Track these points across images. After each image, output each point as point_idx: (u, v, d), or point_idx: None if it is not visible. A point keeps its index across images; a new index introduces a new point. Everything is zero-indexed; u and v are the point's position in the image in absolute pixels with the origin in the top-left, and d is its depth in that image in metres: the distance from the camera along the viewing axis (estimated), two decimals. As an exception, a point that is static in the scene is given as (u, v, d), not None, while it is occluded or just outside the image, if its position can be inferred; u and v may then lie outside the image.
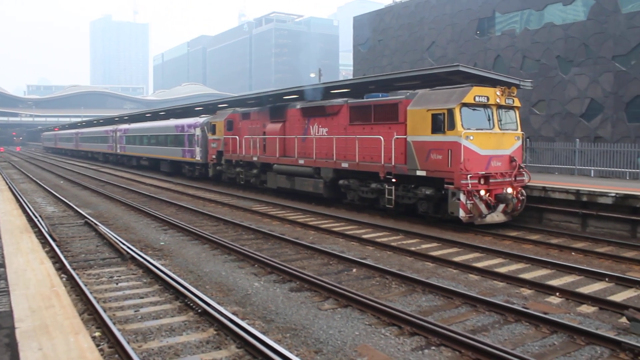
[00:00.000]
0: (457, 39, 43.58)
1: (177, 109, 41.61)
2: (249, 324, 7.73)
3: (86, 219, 17.36)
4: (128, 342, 7.13)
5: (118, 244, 13.28)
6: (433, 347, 7.31)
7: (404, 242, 14.44)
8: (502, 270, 11.42)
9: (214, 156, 30.05)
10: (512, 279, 10.64)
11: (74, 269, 10.85)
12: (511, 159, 16.31)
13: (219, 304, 8.68)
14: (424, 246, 13.93)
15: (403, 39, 48.91)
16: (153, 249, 13.58)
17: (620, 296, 9.73)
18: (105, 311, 8.34)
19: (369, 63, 53.07)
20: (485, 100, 15.78)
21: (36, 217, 17.03)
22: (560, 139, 32.87)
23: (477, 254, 13.01)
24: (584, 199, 15.96)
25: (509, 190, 15.99)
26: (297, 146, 22.93)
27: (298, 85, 24.60)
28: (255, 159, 25.82)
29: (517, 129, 16.76)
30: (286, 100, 25.94)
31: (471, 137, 15.39)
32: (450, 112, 15.48)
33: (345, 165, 19.82)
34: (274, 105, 25.52)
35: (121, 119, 57.58)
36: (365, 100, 19.48)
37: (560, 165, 24.28)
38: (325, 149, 21.20)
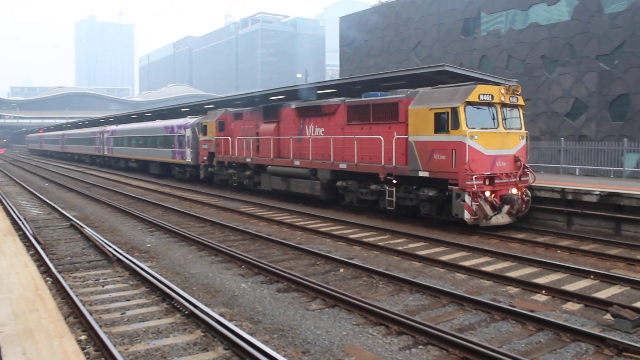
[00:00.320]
0: (443, 39, 43.79)
1: (163, 110, 41.49)
2: (236, 325, 7.71)
3: (72, 222, 17.22)
4: (114, 345, 7.08)
5: (104, 247, 13.18)
6: (420, 346, 7.33)
7: (391, 241, 14.47)
8: (489, 269, 11.47)
9: (205, 157, 29.42)
10: (498, 278, 10.70)
11: (59, 272, 10.74)
12: (516, 159, 15.86)
13: (206, 305, 8.64)
14: (410, 245, 13.97)
15: (389, 39, 49.06)
16: (139, 251, 13.50)
17: (605, 293, 9.81)
18: (91, 314, 8.27)
19: (355, 63, 53.18)
20: (490, 99, 15.32)
21: (20, 220, 16.86)
22: (545, 137, 33.16)
23: (463, 253, 13.06)
24: (569, 197, 16.09)
25: (514, 190, 15.60)
26: (292, 147, 22.31)
27: (285, 86, 24.61)
28: (248, 160, 25.23)
29: (521, 128, 16.32)
30: (274, 100, 25.89)
31: (476, 137, 14.93)
32: (455, 111, 15.01)
33: (343, 166, 19.31)
34: (268, 105, 24.99)
35: (107, 121, 57.23)
36: (363, 99, 18.99)
37: (546, 164, 24.49)
38: (322, 149, 20.68)
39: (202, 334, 7.70)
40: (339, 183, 19.71)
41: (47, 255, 12.29)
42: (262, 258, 12.28)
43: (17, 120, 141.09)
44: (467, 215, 14.78)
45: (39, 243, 13.63)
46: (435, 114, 15.56)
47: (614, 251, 13.17)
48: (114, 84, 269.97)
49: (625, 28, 31.54)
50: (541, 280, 10.56)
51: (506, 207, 15.53)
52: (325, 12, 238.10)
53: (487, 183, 15.12)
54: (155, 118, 43.97)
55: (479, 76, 18.79)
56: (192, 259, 12.67)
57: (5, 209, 19.16)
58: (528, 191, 16.06)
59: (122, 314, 8.64)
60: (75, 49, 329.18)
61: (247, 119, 26.06)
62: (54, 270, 10.74)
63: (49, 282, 10.17)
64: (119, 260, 12.03)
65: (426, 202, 16.24)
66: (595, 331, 7.65)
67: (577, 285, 10.34)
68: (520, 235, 15.03)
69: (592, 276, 10.79)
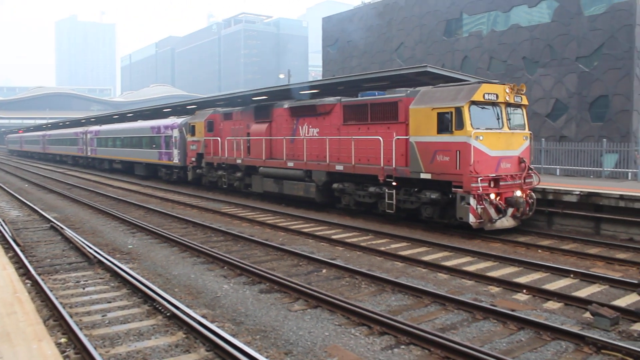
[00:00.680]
0: (425, 40, 44.03)
1: (145, 110, 41.15)
2: (218, 327, 7.67)
3: (52, 223, 17.01)
4: (95, 348, 7.01)
5: (85, 248, 13.05)
6: (402, 346, 7.35)
7: (374, 242, 14.50)
8: (471, 268, 11.54)
9: (193, 159, 28.67)
10: (480, 277, 10.77)
11: (38, 274, 10.61)
12: (520, 160, 15.42)
13: (188, 307, 8.59)
14: (393, 246, 14.01)
15: (372, 40, 49.21)
16: (121, 253, 13.39)
17: (584, 292, 9.93)
18: (71, 316, 8.19)
19: (338, 64, 53.27)
20: (495, 98, 14.83)
21: (-1, 222, 16.63)
22: (526, 138, 33.41)
23: (446, 253, 13.13)
24: (550, 197, 16.25)
25: (518, 193, 15.12)
26: (285, 148, 21.63)
27: (267, 87, 24.58)
28: (239, 161, 24.51)
29: (525, 129, 15.91)
30: (259, 100, 25.82)
31: (481, 137, 14.41)
32: (459, 110, 14.46)
33: (339, 167, 18.75)
34: (259, 104, 24.28)
35: (88, 121, 56.66)
36: (360, 99, 18.38)
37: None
38: (317, 150, 20.05)
39: (184, 336, 7.65)
40: (335, 185, 19.13)
41: (26, 257, 12.12)
42: (245, 259, 12.25)
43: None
44: (472, 219, 14.29)
45: (17, 245, 13.45)
46: (438, 113, 15.00)
47: (593, 250, 13.34)
48: (95, 84, 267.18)
49: (604, 30, 31.97)
50: (522, 280, 10.65)
51: (510, 210, 15.05)
52: (308, 13, 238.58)
53: (492, 185, 14.65)
54: (138, 118, 43.56)
55: (461, 77, 18.94)
56: (174, 260, 12.59)
57: (-17, 210, 18.88)
58: (533, 193, 15.63)
59: (103, 316, 8.56)
60: (56, 48, 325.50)
61: (237, 119, 25.40)
62: (33, 272, 10.61)
63: (28, 284, 10.04)
64: (100, 262, 11.91)
65: (428, 205, 15.77)
66: (575, 329, 7.73)
67: (558, 284, 10.45)
68: (501, 235, 15.14)
69: (572, 275, 10.91)
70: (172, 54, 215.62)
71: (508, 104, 15.29)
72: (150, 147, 34.85)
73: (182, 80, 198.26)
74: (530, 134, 16.14)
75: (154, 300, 8.95)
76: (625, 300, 9.37)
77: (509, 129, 15.22)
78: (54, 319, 8.20)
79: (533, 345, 7.39)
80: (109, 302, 9.29)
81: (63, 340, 7.44)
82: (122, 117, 47.90)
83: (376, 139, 17.20)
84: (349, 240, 14.49)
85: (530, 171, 15.65)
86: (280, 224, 17.15)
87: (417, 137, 15.70)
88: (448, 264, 11.91)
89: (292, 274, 11.09)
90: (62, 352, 6.95)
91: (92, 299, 9.48)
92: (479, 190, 14.16)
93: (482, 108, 14.77)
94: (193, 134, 28.54)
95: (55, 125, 73.41)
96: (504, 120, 15.10)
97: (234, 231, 15.72)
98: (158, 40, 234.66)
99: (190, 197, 25.40)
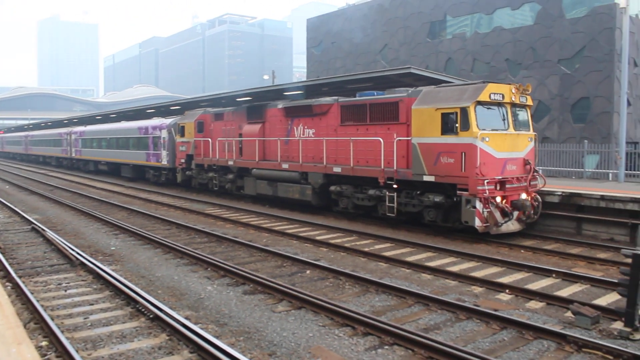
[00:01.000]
0: (410, 42, 44.23)
1: (129, 111, 40.87)
2: (202, 328, 7.64)
3: (33, 225, 16.82)
4: (77, 351, 6.94)
5: (67, 250, 12.91)
6: (386, 347, 7.37)
7: (358, 242, 14.52)
8: (454, 269, 11.60)
9: (182, 160, 27.90)
10: (463, 278, 10.83)
11: (19, 277, 10.48)
12: (525, 162, 15.01)
13: (171, 308, 8.55)
14: (377, 247, 14.04)
15: (356, 42, 49.34)
16: (103, 255, 13.27)
17: (566, 291, 10.03)
18: (52, 319, 8.09)
19: (322, 65, 53.33)
20: (501, 98, 14.38)
21: (-21, 224, 16.42)
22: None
23: (429, 254, 13.19)
24: (532, 198, 16.37)
25: (524, 195, 14.68)
26: (280, 149, 21.03)
27: (251, 87, 24.53)
28: (231, 163, 23.85)
29: (529, 130, 15.51)
30: (242, 102, 25.77)
31: (487, 139, 13.96)
32: (464, 111, 14.02)
33: (337, 169, 18.16)
34: (252, 104, 23.70)
35: (70, 122, 56.10)
36: (359, 99, 17.86)
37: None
38: (313, 152, 19.49)
39: (167, 338, 7.60)
40: (332, 188, 18.55)
41: (6, 259, 11.98)
42: (229, 260, 12.21)
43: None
44: (477, 223, 13.83)
45: (-2, 247, 13.29)
46: (442, 114, 14.54)
47: (575, 250, 13.48)
48: (78, 84, 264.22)
49: (585, 33, 32.36)
50: (505, 280, 10.73)
51: (515, 214, 14.59)
52: (293, 14, 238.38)
53: (498, 188, 14.19)
54: (121, 119, 43.14)
55: (445, 78, 19.06)
56: (157, 261, 12.51)
57: (-37, 212, 18.63)
58: (538, 196, 15.17)
59: (85, 318, 8.48)
60: (38, 48, 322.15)
61: (228, 120, 24.83)
62: (13, 275, 10.48)
63: (9, 287, 9.93)
64: (82, 263, 11.80)
65: (431, 208, 15.23)
66: (557, 328, 7.81)
67: (540, 284, 10.55)
68: (485, 236, 15.22)
69: (554, 275, 11.02)
70: (156, 54, 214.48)
71: (513, 104, 14.90)
72: (138, 148, 34.07)
73: (166, 81, 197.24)
74: (535, 135, 15.76)
75: (136, 302, 8.88)
76: (606, 299, 9.48)
77: (515, 130, 14.83)
78: (35, 322, 8.11)
79: (515, 345, 7.45)
80: (92, 305, 9.21)
81: (44, 343, 7.36)
82: (106, 118, 47.40)
83: (376, 140, 16.74)
84: (333, 241, 14.49)
85: (535, 173, 15.30)
86: (264, 225, 17.12)
87: (420, 138, 15.22)
88: (432, 264, 11.97)
89: (276, 275, 11.07)
90: (43, 355, 6.88)
91: (74, 302, 9.38)
92: (486, 193, 13.74)
93: (488, 108, 14.37)
94: (182, 135, 27.89)
95: (37, 126, 72.63)
96: (510, 121, 14.70)
97: (217, 232, 15.67)
98: (142, 41, 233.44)
99: (174, 198, 25.26)
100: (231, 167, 24.14)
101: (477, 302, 9.28)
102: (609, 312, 8.47)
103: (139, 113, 39.30)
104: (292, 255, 12.50)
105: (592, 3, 32.45)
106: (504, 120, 14.63)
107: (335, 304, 8.65)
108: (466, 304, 8.86)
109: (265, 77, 57.30)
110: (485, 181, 13.74)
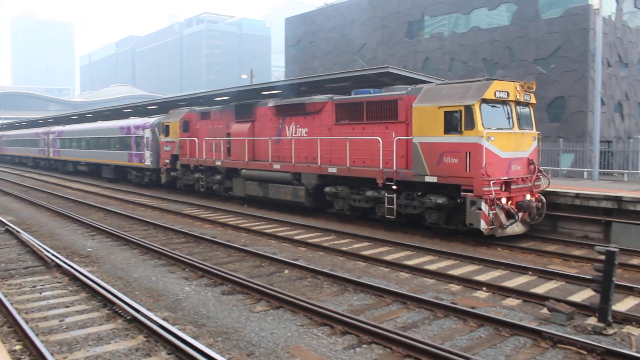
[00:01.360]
0: (388, 41, 44.42)
1: (105, 110, 40.38)
2: (179, 330, 7.59)
3: (7, 227, 16.53)
4: (52, 354, 6.85)
5: (42, 252, 12.73)
6: (364, 345, 7.39)
7: (336, 242, 14.54)
8: (432, 267, 11.69)
9: (167, 160, 27.04)
10: (441, 276, 10.92)
11: (-7, 279, 10.33)
12: (529, 162, 14.65)
13: (148, 309, 8.48)
14: (355, 246, 14.07)
15: (334, 41, 49.41)
16: (80, 256, 13.11)
17: (542, 288, 10.17)
18: (27, 322, 7.98)
19: (300, 64, 53.31)
20: (506, 96, 13.91)
21: (-48, 226, 16.11)
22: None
23: (407, 252, 13.26)
24: (509, 196, 16.52)
25: (528, 196, 14.38)
26: (270, 149, 20.32)
27: (230, 87, 24.43)
28: (218, 163, 23.11)
29: (533, 129, 15.14)
30: (221, 102, 25.63)
31: (492, 138, 13.48)
32: (469, 109, 13.52)
33: (332, 170, 17.56)
34: (240, 103, 22.84)
35: (46, 121, 55.27)
36: (355, 97, 17.28)
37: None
38: (306, 152, 18.84)
39: (145, 339, 7.54)
40: (327, 189, 17.92)
41: (-20, 261, 11.78)
42: (207, 260, 12.14)
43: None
44: (483, 225, 13.40)
45: (-29, 249, 13.06)
46: (446, 112, 13.99)
47: (550, 248, 13.68)
48: (53, 83, 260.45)
49: (560, 33, 32.81)
50: (482, 278, 10.83)
51: (520, 215, 14.19)
52: (271, 13, 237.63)
53: (503, 189, 13.77)
54: (98, 119, 42.54)
55: (422, 78, 19.17)
56: (134, 262, 12.39)
57: None
58: (542, 197, 14.81)
59: (60, 321, 8.37)
60: (12, 47, 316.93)
61: (216, 119, 24.05)
62: (-13, 277, 10.32)
63: (-18, 289, 9.76)
64: (57, 265, 11.64)
65: (433, 210, 14.76)
66: (533, 325, 7.91)
67: (517, 281, 10.67)
68: (461, 235, 15.35)
69: (530, 272, 11.16)
70: (132, 53, 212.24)
71: (518, 103, 14.48)
72: (120, 149, 32.96)
73: (144, 80, 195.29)
74: (539, 134, 15.43)
75: (113, 303, 8.79)
76: (581, 296, 9.64)
77: (519, 129, 14.43)
78: (8, 326, 7.98)
79: (492, 342, 7.53)
80: (67, 307, 9.08)
81: (18, 347, 7.24)
82: (82, 118, 46.70)
83: (374, 139, 16.22)
84: (311, 241, 14.49)
85: (539, 173, 14.95)
86: (242, 225, 17.06)
87: (421, 137, 14.67)
88: (410, 263, 12.03)
89: (254, 275, 11.04)
90: (17, 359, 6.78)
91: (49, 304, 9.25)
92: (491, 194, 13.31)
93: (493, 106, 13.90)
94: (167, 134, 27.00)
95: (12, 126, 71.44)
96: (514, 119, 14.30)
97: (196, 232, 15.57)
98: (118, 40, 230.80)
99: (152, 199, 25.03)
100: (219, 168, 23.46)
101: (454, 300, 9.35)
102: (584, 308, 8.61)
103: (116, 113, 38.83)
104: (271, 255, 12.48)
105: (567, 4, 32.92)
106: (508, 118, 14.23)
107: (313, 304, 8.66)
108: (444, 302, 8.93)
109: (244, 76, 57.11)
110: (491, 182, 13.35)
